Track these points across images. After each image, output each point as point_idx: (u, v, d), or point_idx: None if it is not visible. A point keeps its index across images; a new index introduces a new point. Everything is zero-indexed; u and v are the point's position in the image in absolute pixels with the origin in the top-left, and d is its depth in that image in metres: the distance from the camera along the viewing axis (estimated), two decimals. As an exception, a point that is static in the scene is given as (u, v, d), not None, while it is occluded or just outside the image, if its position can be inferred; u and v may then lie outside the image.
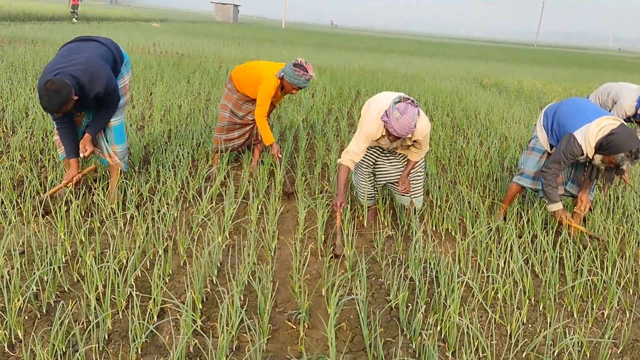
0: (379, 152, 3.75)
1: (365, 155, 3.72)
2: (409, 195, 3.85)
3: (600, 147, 3.28)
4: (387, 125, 3.20)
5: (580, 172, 3.76)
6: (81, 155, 3.41)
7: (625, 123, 3.37)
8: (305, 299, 2.63)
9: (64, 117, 3.33)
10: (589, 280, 3.07)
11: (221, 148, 4.60)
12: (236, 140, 4.63)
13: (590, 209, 3.83)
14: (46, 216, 3.38)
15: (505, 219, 3.96)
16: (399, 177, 3.77)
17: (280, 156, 4.25)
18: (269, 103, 4.27)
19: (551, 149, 3.71)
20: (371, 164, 3.78)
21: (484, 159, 5.55)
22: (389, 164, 3.77)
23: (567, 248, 3.31)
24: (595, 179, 3.66)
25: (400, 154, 3.75)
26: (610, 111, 4.39)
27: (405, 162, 3.76)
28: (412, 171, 3.73)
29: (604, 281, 3.12)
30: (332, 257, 3.28)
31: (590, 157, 3.40)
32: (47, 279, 2.62)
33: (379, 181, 3.86)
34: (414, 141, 3.48)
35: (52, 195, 3.47)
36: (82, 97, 3.16)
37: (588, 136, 3.33)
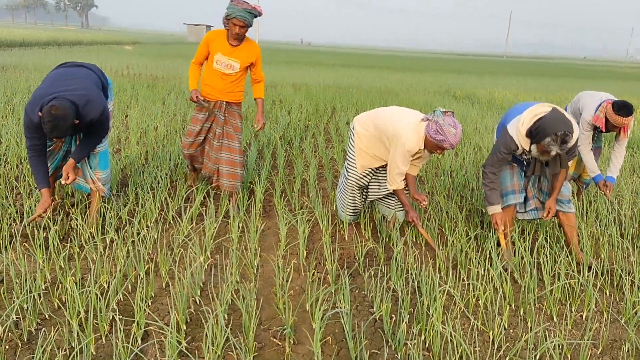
0: (372, 174, 3.81)
1: (362, 178, 3.81)
2: (393, 208, 3.92)
3: (531, 136, 3.16)
4: (443, 143, 3.26)
5: (547, 182, 3.65)
6: (62, 182, 3.38)
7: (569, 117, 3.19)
8: (289, 314, 2.64)
9: (41, 144, 3.31)
10: (566, 283, 3.14)
11: (187, 154, 4.28)
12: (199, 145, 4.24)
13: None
14: (24, 243, 3.33)
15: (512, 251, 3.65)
16: (387, 192, 3.88)
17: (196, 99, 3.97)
18: (200, 54, 4.02)
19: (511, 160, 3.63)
20: (365, 185, 3.84)
21: (460, 169, 5.65)
22: (379, 183, 3.85)
23: (544, 253, 3.38)
24: (539, 174, 3.50)
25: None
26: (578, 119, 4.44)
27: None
28: None
29: (581, 284, 3.20)
30: (314, 274, 3.29)
31: (528, 150, 3.26)
32: (28, 307, 2.59)
33: (370, 199, 3.96)
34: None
35: (29, 223, 3.42)
36: (78, 122, 3.18)
37: (519, 126, 3.22)
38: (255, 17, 3.87)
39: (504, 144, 3.34)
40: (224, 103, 4.08)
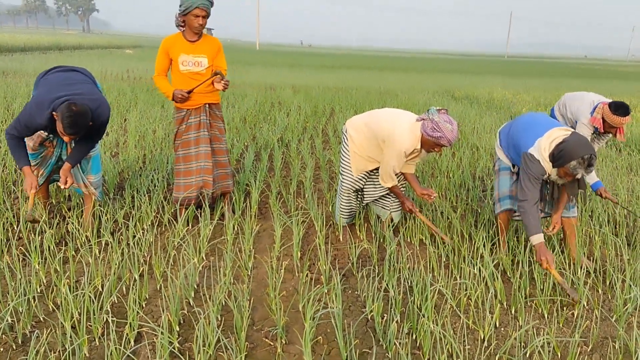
0: (367, 177, 3.84)
1: (357, 181, 3.82)
2: (388, 209, 3.94)
3: (553, 160, 3.12)
4: (441, 140, 3.30)
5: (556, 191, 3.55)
6: (62, 186, 3.40)
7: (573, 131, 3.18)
8: (281, 315, 2.66)
9: (22, 138, 3.30)
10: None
11: (181, 198, 3.98)
12: (194, 176, 3.98)
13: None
14: (20, 247, 3.35)
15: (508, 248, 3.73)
16: (382, 193, 3.90)
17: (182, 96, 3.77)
18: (161, 64, 3.86)
19: (514, 168, 3.59)
20: (360, 187, 3.87)
21: (456, 169, 5.67)
22: (374, 185, 3.87)
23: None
24: (558, 196, 3.46)
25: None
26: (570, 124, 4.39)
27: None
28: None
29: (572, 282, 3.21)
30: (307, 275, 3.31)
31: (549, 174, 3.21)
32: (22, 310, 2.61)
33: (366, 201, 3.98)
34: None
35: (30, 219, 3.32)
36: (91, 125, 3.22)
37: (541, 151, 3.15)
38: (212, 4, 3.74)
39: (535, 171, 3.19)
40: (207, 106, 3.95)
